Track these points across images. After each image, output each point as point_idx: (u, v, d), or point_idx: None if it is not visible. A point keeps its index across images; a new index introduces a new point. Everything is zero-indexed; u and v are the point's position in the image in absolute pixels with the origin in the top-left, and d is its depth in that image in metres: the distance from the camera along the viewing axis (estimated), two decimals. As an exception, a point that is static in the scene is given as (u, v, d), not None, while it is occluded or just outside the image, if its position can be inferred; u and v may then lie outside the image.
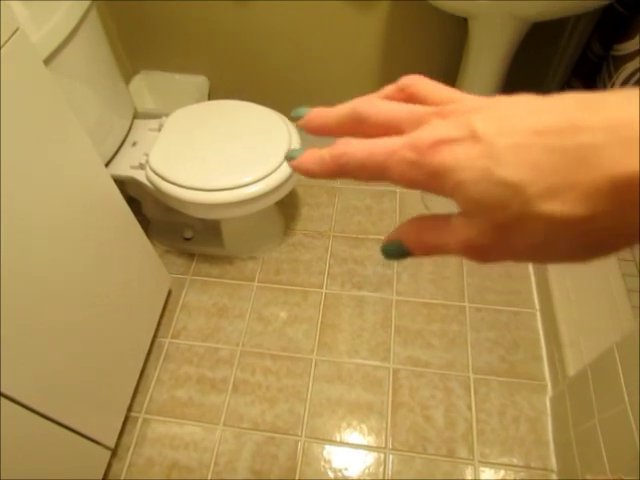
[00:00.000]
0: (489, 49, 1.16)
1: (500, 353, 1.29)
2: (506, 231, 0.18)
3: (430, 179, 0.19)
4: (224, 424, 1.20)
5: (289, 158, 0.24)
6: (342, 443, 1.17)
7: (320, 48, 1.47)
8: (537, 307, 1.36)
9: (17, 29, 0.74)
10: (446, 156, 0.19)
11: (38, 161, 0.80)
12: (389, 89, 0.25)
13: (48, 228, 0.83)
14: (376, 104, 0.23)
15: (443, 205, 1.53)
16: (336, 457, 1.15)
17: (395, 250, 0.23)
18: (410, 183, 0.21)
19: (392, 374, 1.26)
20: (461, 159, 0.18)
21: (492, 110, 0.19)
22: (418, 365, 1.28)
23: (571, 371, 1.13)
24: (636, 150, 0.15)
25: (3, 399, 0.77)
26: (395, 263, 1.46)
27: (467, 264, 1.44)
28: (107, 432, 1.09)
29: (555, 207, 0.17)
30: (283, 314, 1.38)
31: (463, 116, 0.20)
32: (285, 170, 1.21)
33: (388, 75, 1.51)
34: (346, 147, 0.22)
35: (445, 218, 0.21)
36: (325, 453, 1.16)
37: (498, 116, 0.19)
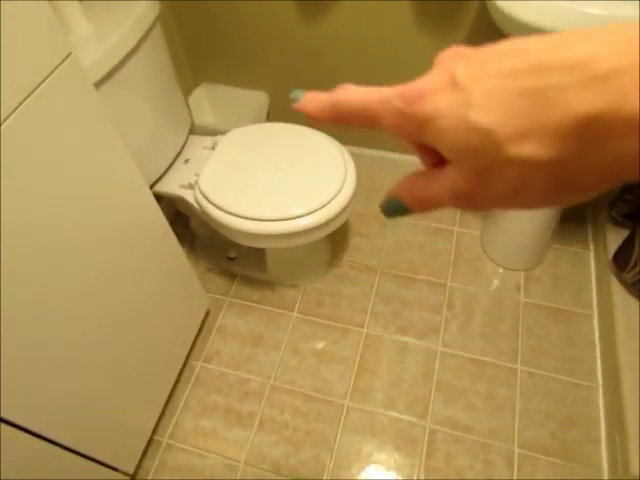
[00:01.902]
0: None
1: (552, 428, 1.16)
2: (485, 176, 0.18)
3: (417, 129, 0.20)
4: (245, 462, 1.15)
5: (294, 99, 0.24)
6: (366, 503, 1.09)
7: (390, 73, 1.39)
8: (600, 381, 1.22)
9: (69, 54, 0.72)
10: (429, 105, 0.19)
11: (80, 181, 0.78)
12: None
13: (84, 245, 0.82)
14: (349, 89, 0.23)
15: (501, 249, 1.41)
16: (358, 518, 1.08)
17: (394, 207, 0.23)
18: (400, 132, 0.21)
19: (428, 434, 1.17)
20: (442, 107, 0.19)
21: (474, 55, 0.19)
22: (457, 428, 1.17)
23: (636, 469, 1.00)
24: (598, 89, 0.15)
25: (15, 430, 0.75)
26: (444, 309, 1.36)
27: (524, 321, 1.32)
28: (128, 458, 1.07)
29: (525, 150, 0.17)
30: (320, 351, 1.32)
31: (447, 63, 0.20)
32: (338, 205, 1.14)
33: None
34: (343, 94, 0.22)
35: (438, 170, 0.21)
36: (347, 511, 1.09)
37: (478, 61, 0.19)
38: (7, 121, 0.64)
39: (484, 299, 1.37)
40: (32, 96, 0.67)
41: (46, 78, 0.69)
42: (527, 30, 0.91)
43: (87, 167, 0.79)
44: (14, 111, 0.65)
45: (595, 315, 1.33)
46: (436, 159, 0.22)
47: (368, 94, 0.22)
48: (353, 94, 0.22)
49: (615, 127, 0.15)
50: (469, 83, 0.18)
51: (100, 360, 0.91)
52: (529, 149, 0.17)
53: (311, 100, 0.23)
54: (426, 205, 0.22)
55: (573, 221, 1.49)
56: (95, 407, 0.93)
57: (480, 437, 1.16)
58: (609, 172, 0.17)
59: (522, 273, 1.41)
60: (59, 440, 0.84)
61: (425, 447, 1.15)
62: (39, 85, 0.68)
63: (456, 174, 0.19)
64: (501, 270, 1.42)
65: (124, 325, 0.97)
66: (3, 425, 0.71)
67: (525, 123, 0.16)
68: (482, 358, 1.27)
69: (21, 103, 0.66)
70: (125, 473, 1.06)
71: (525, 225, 1.33)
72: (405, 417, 1.20)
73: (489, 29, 1.20)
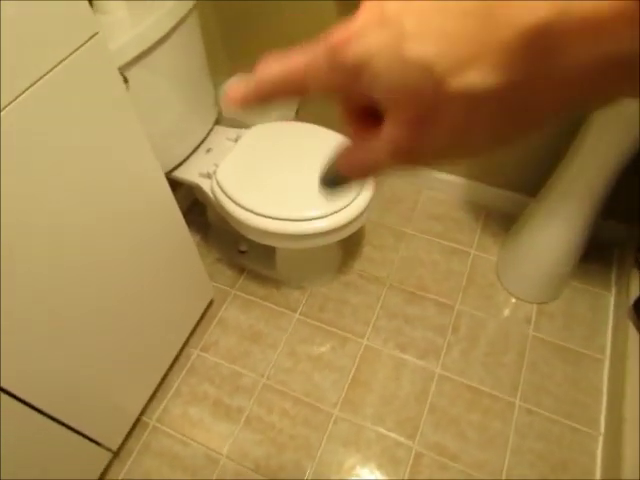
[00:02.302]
0: (601, 154, 1.00)
1: (543, 471, 1.12)
2: (427, 122, 0.16)
3: (349, 79, 0.18)
4: (227, 457, 1.15)
5: (222, 96, 0.21)
6: (340, 517, 1.08)
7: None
8: (602, 430, 1.16)
9: (96, 33, 0.73)
10: (358, 48, 0.17)
11: (93, 162, 0.79)
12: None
13: (90, 224, 0.83)
14: (268, 62, 0.21)
15: (516, 278, 1.37)
16: (330, 530, 1.06)
17: (332, 177, 0.22)
18: (334, 89, 0.19)
19: (414, 457, 1.14)
20: (373, 46, 0.16)
21: None
22: (444, 455, 1.14)
23: (624, 528, 0.95)
24: None
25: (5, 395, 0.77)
26: (448, 332, 1.33)
27: (530, 356, 1.27)
28: (113, 435, 1.09)
29: (469, 79, 0.15)
30: (316, 356, 1.30)
31: (374, 4, 0.17)
32: (355, 209, 1.13)
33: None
34: (263, 69, 0.21)
35: (375, 130, 0.19)
36: (320, 522, 1.07)
37: None
38: (25, 93, 0.65)
39: (491, 327, 1.33)
40: (54, 71, 0.68)
41: (69, 55, 0.70)
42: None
43: (102, 148, 0.80)
44: (34, 84, 0.66)
45: (606, 361, 1.27)
46: (372, 125, 0.20)
47: (290, 61, 0.20)
48: (274, 65, 0.20)
49: (566, 34, 0.14)
50: (401, 12, 0.16)
51: (98, 337, 0.93)
52: (473, 77, 0.15)
53: (236, 89, 0.22)
54: (364, 168, 0.20)
55: (598, 261, 1.43)
56: (87, 381, 0.94)
57: (466, 467, 1.13)
58: (564, 92, 0.15)
59: (535, 306, 1.36)
60: (46, 410, 0.85)
61: (409, 469, 1.13)
62: (62, 61, 0.69)
63: (395, 126, 0.17)
64: (513, 300, 1.38)
65: (124, 306, 0.98)
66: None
67: (466, 49, 0.15)
68: (480, 387, 1.24)
69: (42, 77, 0.67)
70: (108, 449, 1.08)
71: (545, 257, 1.28)
72: (393, 435, 1.17)
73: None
